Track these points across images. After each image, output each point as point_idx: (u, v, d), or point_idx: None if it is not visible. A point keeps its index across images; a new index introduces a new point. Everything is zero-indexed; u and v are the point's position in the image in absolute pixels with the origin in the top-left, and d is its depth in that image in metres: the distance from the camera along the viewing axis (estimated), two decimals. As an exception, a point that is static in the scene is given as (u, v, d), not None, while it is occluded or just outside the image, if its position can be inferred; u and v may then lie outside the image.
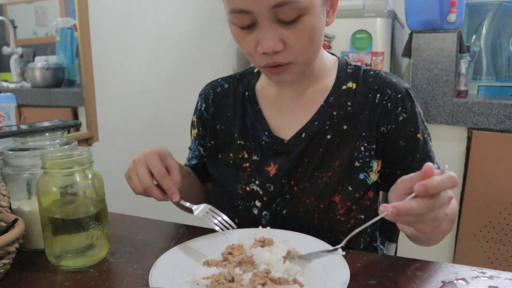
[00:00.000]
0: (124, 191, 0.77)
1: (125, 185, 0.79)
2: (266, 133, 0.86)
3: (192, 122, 1.00)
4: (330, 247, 0.70)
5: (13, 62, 1.26)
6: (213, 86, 0.96)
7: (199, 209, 0.78)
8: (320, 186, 0.81)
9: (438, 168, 0.83)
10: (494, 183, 1.83)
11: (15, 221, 0.69)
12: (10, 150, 0.78)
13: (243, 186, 0.86)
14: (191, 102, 1.01)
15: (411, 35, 1.90)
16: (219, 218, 0.77)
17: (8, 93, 0.91)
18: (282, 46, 0.71)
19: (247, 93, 0.91)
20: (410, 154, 0.82)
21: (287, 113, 0.87)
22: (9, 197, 0.76)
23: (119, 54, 1.45)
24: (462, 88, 1.92)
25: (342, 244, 0.63)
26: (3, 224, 0.72)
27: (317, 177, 0.82)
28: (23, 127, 0.83)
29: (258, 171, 0.86)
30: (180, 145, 1.04)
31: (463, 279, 0.65)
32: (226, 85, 0.95)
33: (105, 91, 1.36)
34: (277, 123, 0.87)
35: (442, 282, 0.65)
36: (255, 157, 0.87)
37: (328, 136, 0.82)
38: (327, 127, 0.83)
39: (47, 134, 0.80)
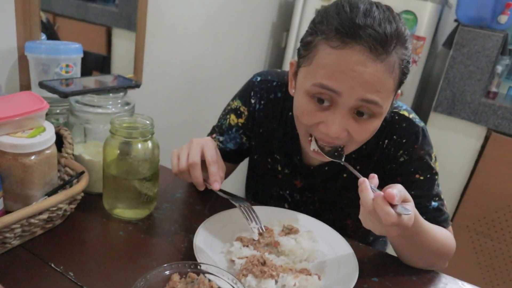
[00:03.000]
0: (160, 141, 0.82)
1: (160, 134, 0.85)
2: (298, 157, 0.96)
3: (238, 109, 0.99)
4: (348, 247, 0.81)
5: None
6: (268, 90, 0.97)
7: (238, 202, 0.79)
8: (336, 210, 0.99)
9: (436, 206, 0.87)
10: (497, 184, 1.91)
11: (82, 172, 0.80)
12: (77, 102, 0.87)
13: (277, 190, 1.03)
14: (230, 64, 1.03)
15: (457, 27, 1.87)
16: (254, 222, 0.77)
17: (76, 44, 0.97)
18: (346, 135, 0.74)
19: (290, 113, 0.94)
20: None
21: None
22: (73, 145, 0.86)
23: (172, 9, 1.47)
24: (493, 89, 1.93)
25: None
26: (68, 169, 0.83)
27: (334, 202, 0.99)
28: (90, 83, 0.91)
29: (288, 182, 1.01)
30: (217, 106, 1.09)
31: (451, 291, 0.77)
32: (279, 94, 0.96)
33: (154, 39, 1.41)
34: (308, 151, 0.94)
35: (433, 291, 0.77)
36: (286, 171, 1.00)
37: (344, 175, 0.94)
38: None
39: (111, 94, 0.88)
